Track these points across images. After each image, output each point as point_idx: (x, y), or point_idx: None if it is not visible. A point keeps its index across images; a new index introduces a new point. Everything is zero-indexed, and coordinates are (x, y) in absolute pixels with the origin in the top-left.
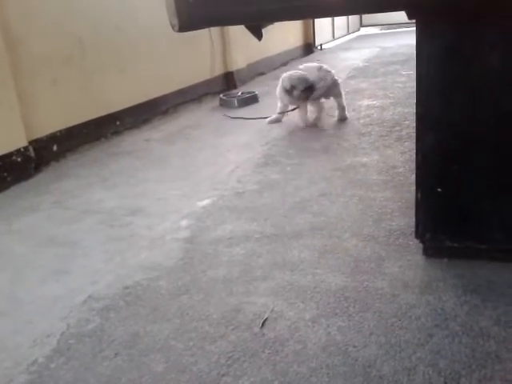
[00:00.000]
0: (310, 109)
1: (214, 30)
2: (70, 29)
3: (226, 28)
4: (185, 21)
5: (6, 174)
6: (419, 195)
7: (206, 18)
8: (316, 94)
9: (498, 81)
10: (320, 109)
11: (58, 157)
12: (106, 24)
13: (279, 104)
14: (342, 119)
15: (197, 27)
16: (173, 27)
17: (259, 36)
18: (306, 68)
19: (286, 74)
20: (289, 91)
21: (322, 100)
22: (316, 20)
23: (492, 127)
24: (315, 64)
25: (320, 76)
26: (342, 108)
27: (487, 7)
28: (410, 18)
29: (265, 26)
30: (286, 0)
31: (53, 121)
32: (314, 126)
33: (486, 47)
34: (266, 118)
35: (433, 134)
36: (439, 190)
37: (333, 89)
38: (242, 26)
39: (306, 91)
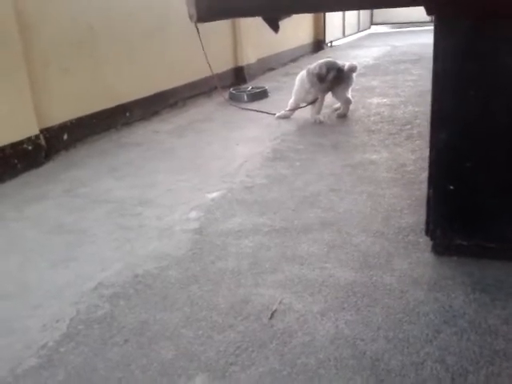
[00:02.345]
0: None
1: (226, 23)
2: (82, 16)
3: (238, 22)
4: (203, 12)
5: (16, 162)
6: (431, 192)
7: (225, 10)
8: (342, 84)
9: None
10: (345, 100)
11: (68, 146)
12: (119, 12)
13: (291, 100)
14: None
15: (215, 18)
16: (190, 18)
17: (276, 28)
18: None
19: (314, 64)
20: (323, 75)
21: (349, 93)
22: (327, 17)
23: (505, 126)
24: (329, 59)
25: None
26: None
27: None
28: (428, 13)
29: (282, 18)
30: None
31: (64, 110)
32: (342, 117)
33: (503, 45)
34: (276, 113)
35: (447, 131)
36: (451, 187)
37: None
38: (255, 20)
39: (339, 73)
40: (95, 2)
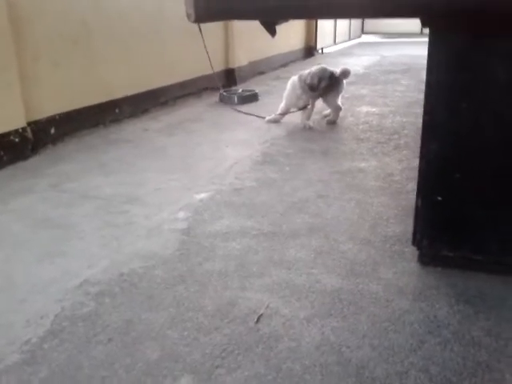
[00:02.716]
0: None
1: (218, 25)
2: (75, 11)
3: (230, 24)
4: (201, 12)
5: (2, 153)
6: (419, 202)
7: (223, 11)
8: (333, 91)
9: (505, 93)
10: (336, 107)
11: (55, 140)
12: (112, 9)
13: (282, 105)
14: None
15: (212, 19)
16: (188, 17)
17: (273, 32)
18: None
19: (305, 72)
20: (315, 85)
21: (339, 100)
22: (318, 24)
23: (496, 139)
24: (322, 66)
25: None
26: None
27: (500, 23)
28: (424, 25)
29: (279, 23)
30: None
31: (52, 103)
32: (332, 124)
33: (496, 59)
34: (265, 117)
35: (438, 142)
36: (439, 198)
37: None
38: (247, 24)
39: (331, 80)
40: None
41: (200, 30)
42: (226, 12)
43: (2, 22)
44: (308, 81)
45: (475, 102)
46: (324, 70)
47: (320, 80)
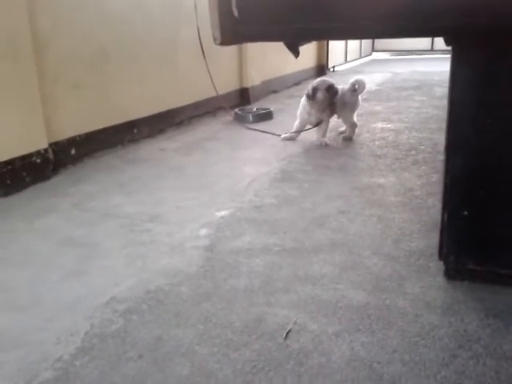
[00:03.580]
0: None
1: (232, 46)
2: (94, 35)
3: (244, 45)
4: (227, 35)
5: (25, 174)
6: (445, 217)
7: (250, 35)
8: (346, 106)
9: None
10: (351, 124)
11: (75, 161)
12: (129, 35)
13: (297, 122)
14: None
15: (239, 42)
16: (215, 40)
17: (296, 53)
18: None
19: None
20: (311, 95)
21: (355, 116)
22: (330, 42)
23: None
24: (323, 78)
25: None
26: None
27: None
28: (447, 44)
29: (302, 44)
30: (328, 21)
31: (73, 125)
32: (348, 140)
33: None
34: (281, 134)
35: (462, 157)
36: (465, 213)
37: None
38: (261, 43)
39: (329, 90)
40: (107, 22)
41: (203, 53)
42: (253, 35)
43: (26, 47)
44: (307, 91)
45: (499, 119)
46: (322, 81)
47: (315, 90)
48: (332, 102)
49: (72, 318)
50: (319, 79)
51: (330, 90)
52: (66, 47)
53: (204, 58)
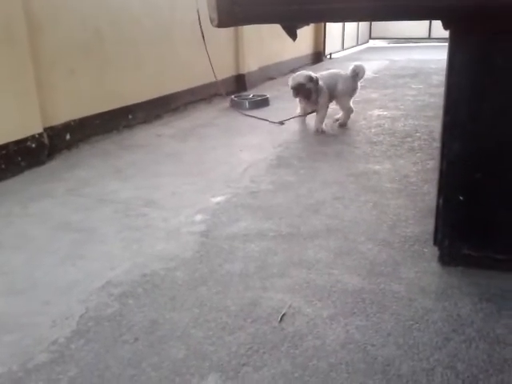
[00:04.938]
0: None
1: (229, 31)
2: (90, 20)
3: (240, 30)
4: (224, 17)
5: (20, 159)
6: (441, 202)
7: (246, 16)
8: (340, 91)
9: None
10: (348, 109)
11: (70, 146)
12: (125, 17)
13: (298, 110)
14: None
15: (235, 24)
16: (211, 22)
17: (294, 36)
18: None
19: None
20: (294, 94)
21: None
22: (327, 29)
23: None
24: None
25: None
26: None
27: None
28: (445, 27)
29: (300, 26)
30: (326, 1)
31: (68, 110)
32: (343, 126)
33: None
34: (278, 121)
35: (458, 142)
36: (461, 198)
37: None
38: (257, 29)
39: (308, 83)
40: (103, 6)
41: (203, 37)
42: (250, 17)
43: (20, 31)
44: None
45: (496, 103)
46: (300, 74)
47: (294, 89)
48: (316, 88)
49: (67, 301)
50: (295, 75)
51: (309, 82)
52: (62, 31)
53: (204, 42)
